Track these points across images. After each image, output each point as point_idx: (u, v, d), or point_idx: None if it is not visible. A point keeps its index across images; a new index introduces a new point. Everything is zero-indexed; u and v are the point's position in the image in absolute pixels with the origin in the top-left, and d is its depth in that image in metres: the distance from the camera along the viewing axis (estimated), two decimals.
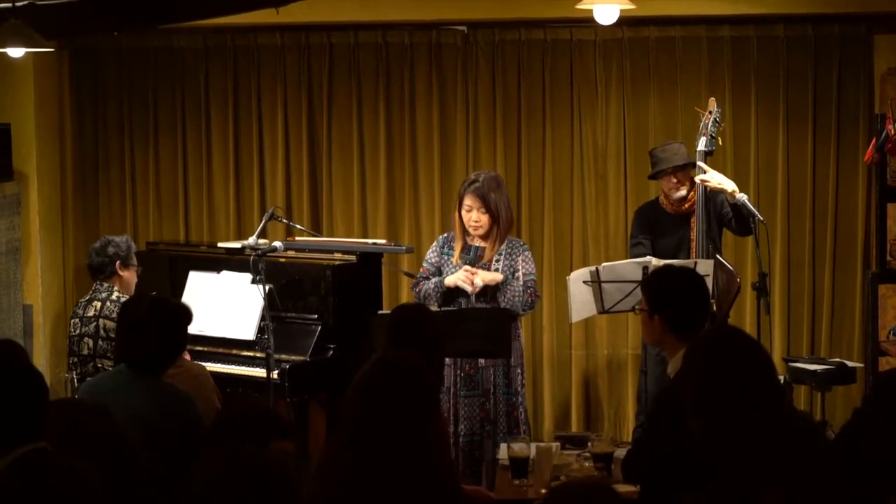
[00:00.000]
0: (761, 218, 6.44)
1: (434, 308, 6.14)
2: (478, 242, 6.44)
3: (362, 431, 3.49)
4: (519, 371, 6.38)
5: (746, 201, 6.45)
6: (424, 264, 6.57)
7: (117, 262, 6.54)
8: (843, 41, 7.68)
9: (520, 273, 6.34)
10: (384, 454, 3.45)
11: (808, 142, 7.75)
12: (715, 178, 6.44)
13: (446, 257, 6.48)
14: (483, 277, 6.28)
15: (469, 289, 6.27)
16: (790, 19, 7.67)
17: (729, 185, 6.43)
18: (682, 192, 6.62)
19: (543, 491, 4.87)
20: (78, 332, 6.47)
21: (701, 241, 6.45)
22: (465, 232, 6.44)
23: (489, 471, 6.20)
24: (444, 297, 6.38)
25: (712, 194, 6.53)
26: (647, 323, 4.45)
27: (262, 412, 3.47)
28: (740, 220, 6.45)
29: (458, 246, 6.45)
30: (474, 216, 6.35)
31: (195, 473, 2.68)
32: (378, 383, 3.54)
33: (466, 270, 6.29)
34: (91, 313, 6.43)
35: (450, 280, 6.35)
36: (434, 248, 6.57)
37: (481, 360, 6.23)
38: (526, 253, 6.45)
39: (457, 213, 6.46)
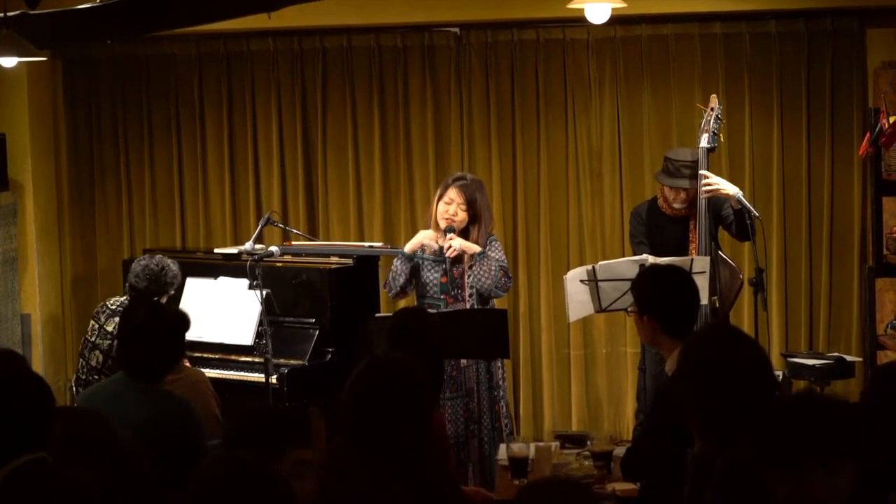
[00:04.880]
0: (757, 214, 6.44)
1: (433, 311, 6.13)
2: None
3: (358, 433, 3.49)
4: (499, 365, 6.34)
5: (742, 197, 6.44)
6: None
7: (164, 296, 6.41)
8: (836, 36, 7.68)
9: (488, 255, 6.30)
10: (381, 456, 3.45)
11: (803, 137, 7.75)
12: (722, 186, 6.40)
13: (417, 260, 6.38)
14: (462, 243, 6.26)
15: (434, 246, 6.24)
16: (782, 15, 7.68)
17: (733, 190, 6.40)
18: (685, 205, 6.58)
19: None
20: (93, 339, 6.40)
21: (704, 239, 6.43)
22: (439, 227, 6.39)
23: (477, 470, 6.19)
24: (410, 264, 6.34)
25: (716, 200, 6.51)
26: (639, 324, 4.46)
27: (281, 418, 3.42)
28: (741, 225, 6.43)
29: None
30: (452, 209, 6.29)
31: (191, 479, 2.67)
32: (371, 385, 3.55)
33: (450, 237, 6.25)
34: (110, 328, 6.34)
35: (409, 245, 6.33)
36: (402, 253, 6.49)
37: (463, 360, 6.20)
38: (494, 243, 6.41)
39: (435, 207, 6.40)
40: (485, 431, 6.23)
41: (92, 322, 6.50)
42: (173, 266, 6.46)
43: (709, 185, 6.38)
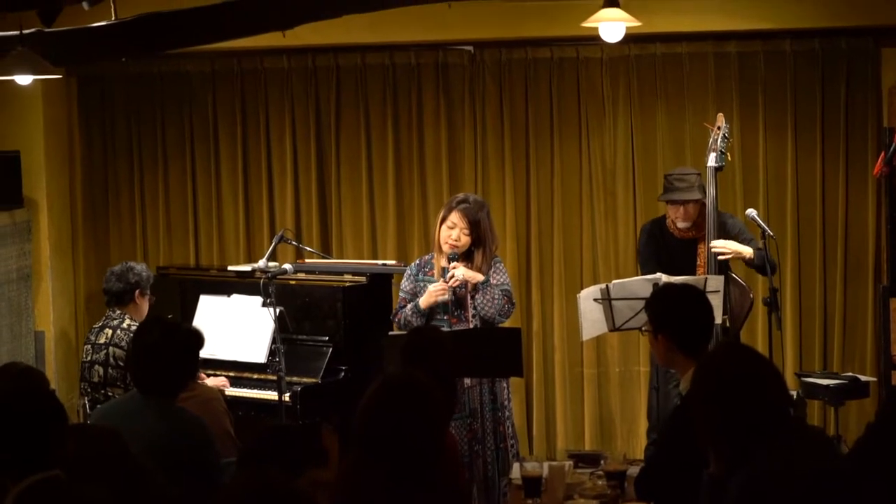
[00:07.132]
0: (771, 233, 6.43)
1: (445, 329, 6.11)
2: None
3: (371, 452, 3.48)
4: (504, 385, 6.27)
5: (756, 216, 6.44)
6: (401, 294, 6.42)
7: (136, 291, 6.50)
8: (851, 55, 7.67)
9: (491, 283, 6.27)
10: (395, 473, 3.44)
11: (817, 156, 7.74)
12: (731, 247, 6.39)
13: (421, 284, 6.36)
14: (465, 273, 6.21)
15: (448, 287, 6.18)
16: (797, 34, 7.67)
17: (747, 251, 6.40)
18: (688, 223, 6.57)
19: None
20: (89, 358, 6.46)
21: (712, 262, 6.41)
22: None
23: (481, 490, 6.16)
24: (425, 319, 6.29)
25: (722, 220, 6.50)
26: (654, 343, 4.43)
27: (300, 438, 3.40)
28: (761, 269, 6.45)
29: (438, 263, 6.33)
30: (455, 234, 6.23)
31: (220, 497, 2.65)
32: (385, 402, 3.54)
33: (443, 269, 6.22)
34: (102, 340, 6.41)
35: (424, 300, 6.23)
36: (408, 276, 6.43)
37: (467, 380, 6.14)
38: (498, 265, 6.35)
39: (438, 230, 6.34)
40: (488, 452, 6.20)
41: (85, 346, 6.54)
42: (138, 266, 6.56)
43: (723, 252, 6.36)
